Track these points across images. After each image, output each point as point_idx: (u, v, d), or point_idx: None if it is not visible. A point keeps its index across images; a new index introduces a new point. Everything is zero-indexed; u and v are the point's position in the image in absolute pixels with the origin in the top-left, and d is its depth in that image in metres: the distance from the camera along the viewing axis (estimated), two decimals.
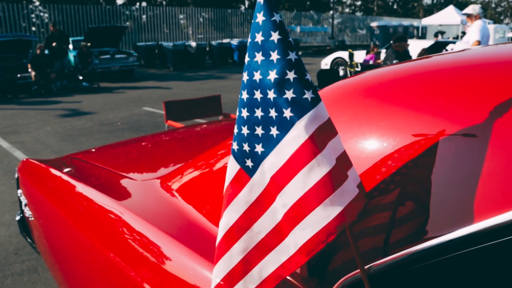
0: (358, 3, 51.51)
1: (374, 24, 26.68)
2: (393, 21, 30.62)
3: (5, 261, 3.12)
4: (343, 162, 0.67)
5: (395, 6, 52.16)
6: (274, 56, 0.66)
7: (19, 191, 1.98)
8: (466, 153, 0.66)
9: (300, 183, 0.66)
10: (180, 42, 18.78)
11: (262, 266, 0.75)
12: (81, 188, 1.45)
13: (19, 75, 11.57)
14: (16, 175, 2.02)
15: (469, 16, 6.10)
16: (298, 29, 31.89)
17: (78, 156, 1.92)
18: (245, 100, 0.72)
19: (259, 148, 0.71)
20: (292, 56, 0.67)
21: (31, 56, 11.76)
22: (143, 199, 1.27)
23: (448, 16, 24.00)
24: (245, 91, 0.71)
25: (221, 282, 0.79)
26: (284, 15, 32.35)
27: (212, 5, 32.76)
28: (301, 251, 0.69)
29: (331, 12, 43.42)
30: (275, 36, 0.66)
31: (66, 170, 1.68)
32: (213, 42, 20.06)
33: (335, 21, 39.21)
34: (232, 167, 0.76)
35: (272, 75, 0.67)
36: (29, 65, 11.48)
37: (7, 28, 19.70)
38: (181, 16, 27.83)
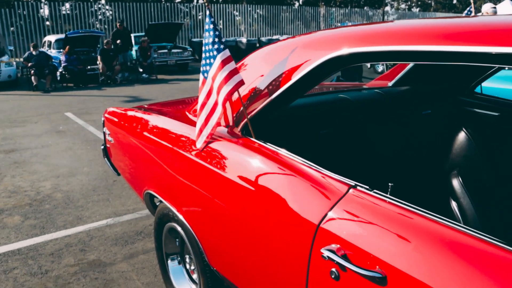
0: None
1: None
2: None
3: (87, 194, 4.38)
4: (234, 71, 1.74)
5: (454, 1, 51.03)
6: (211, 33, 1.76)
7: (104, 128, 3.16)
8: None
9: (219, 77, 1.73)
10: (232, 38, 20.06)
11: (212, 119, 1.83)
12: (144, 116, 2.60)
13: (89, 67, 13.23)
14: (102, 119, 3.19)
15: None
16: (349, 24, 32.27)
17: (140, 106, 3.08)
18: (203, 50, 1.81)
19: (208, 68, 1.80)
20: (217, 33, 1.76)
21: (100, 50, 13.37)
22: (179, 117, 2.39)
23: (504, 10, 23.73)
24: (203, 47, 1.80)
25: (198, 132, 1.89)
26: (337, 11, 32.95)
27: (266, 2, 33.84)
28: (223, 106, 1.76)
29: (386, 8, 43.42)
30: (211, 26, 1.76)
31: (134, 111, 2.83)
32: (263, 38, 21.18)
33: (390, 18, 39.17)
34: (200, 78, 1.85)
35: (210, 40, 1.76)
36: (99, 58, 13.09)
37: (76, 25, 21.78)
38: (236, 13, 29.18)
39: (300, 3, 44.09)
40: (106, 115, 3.10)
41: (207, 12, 1.77)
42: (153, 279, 2.84)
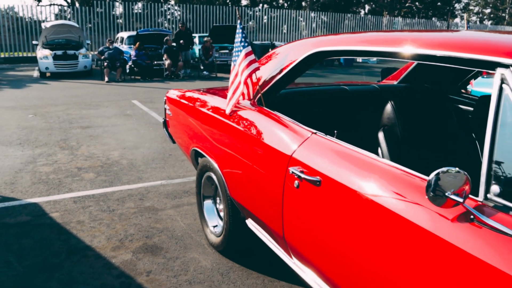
0: (487, 10, 49.65)
1: None
2: None
3: (147, 162, 5.35)
4: (253, 60, 2.56)
5: None
6: (240, 35, 2.61)
7: (165, 105, 4.08)
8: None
9: (243, 64, 2.56)
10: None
11: (237, 93, 2.65)
12: (196, 95, 3.48)
13: (155, 62, 14.54)
14: (164, 98, 4.12)
15: None
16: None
17: (191, 90, 3.98)
18: (235, 46, 2.66)
19: (236, 58, 2.63)
20: (244, 35, 2.61)
21: (165, 48, 14.67)
22: (221, 96, 3.24)
23: None
24: (235, 43, 2.65)
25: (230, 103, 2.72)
26: (403, 21, 32.98)
27: (332, 9, 34.46)
28: (245, 83, 2.59)
29: (456, 20, 42.83)
30: (240, 30, 2.61)
31: (190, 91, 3.73)
32: None
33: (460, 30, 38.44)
34: (232, 65, 2.69)
35: (239, 39, 2.60)
36: (165, 55, 14.38)
37: (146, 23, 23.46)
38: (300, 19, 30.04)
39: (366, 11, 44.33)
40: (168, 94, 4.02)
41: (238, 21, 2.62)
42: (193, 221, 3.72)
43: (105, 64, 13.47)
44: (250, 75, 2.55)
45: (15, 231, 3.52)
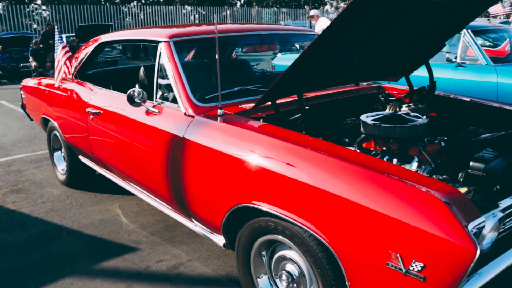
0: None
1: None
2: None
3: (14, 144, 6.67)
4: (68, 51, 4.19)
5: None
6: (58, 35, 4.22)
7: (21, 92, 5.52)
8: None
9: (61, 53, 4.18)
10: None
11: (61, 72, 4.26)
12: (39, 80, 4.99)
13: (21, 64, 15.32)
14: (20, 86, 5.54)
15: (312, 17, 9.60)
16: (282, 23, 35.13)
17: (37, 77, 5.46)
18: (56, 43, 4.26)
19: (57, 50, 4.24)
20: (61, 35, 4.23)
21: (31, 50, 15.47)
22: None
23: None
24: (55, 41, 4.26)
25: None
26: (278, 11, 35.82)
27: (208, 3, 36.36)
28: (65, 65, 4.21)
29: (326, 7, 47.15)
30: (58, 32, 4.23)
31: (34, 79, 5.21)
32: None
33: (331, 16, 42.38)
34: (55, 55, 4.30)
35: (57, 37, 4.21)
36: (30, 58, 15.20)
37: (10, 26, 23.49)
38: (178, 14, 31.53)
39: (242, 3, 46.95)
40: (22, 83, 5.49)
41: (55, 25, 4.20)
42: (49, 174, 5.23)
43: None
44: (67, 59, 4.16)
45: None
